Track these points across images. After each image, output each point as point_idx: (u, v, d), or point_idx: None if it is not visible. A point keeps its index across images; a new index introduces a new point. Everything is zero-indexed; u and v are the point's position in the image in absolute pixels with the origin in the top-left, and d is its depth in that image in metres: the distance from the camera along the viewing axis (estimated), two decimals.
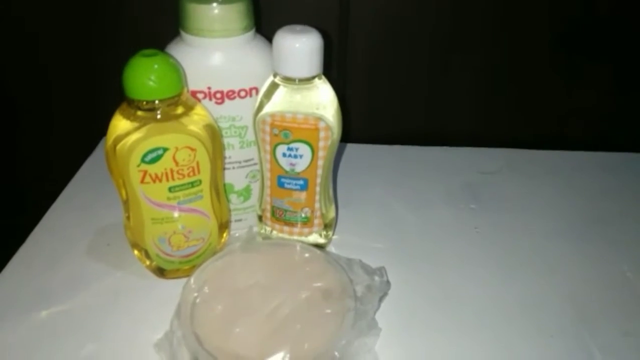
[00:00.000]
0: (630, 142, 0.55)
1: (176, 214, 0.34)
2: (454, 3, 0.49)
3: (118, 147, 0.30)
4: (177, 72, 0.30)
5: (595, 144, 0.55)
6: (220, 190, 0.36)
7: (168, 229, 0.35)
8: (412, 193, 0.48)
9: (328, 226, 0.40)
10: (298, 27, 0.32)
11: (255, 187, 0.40)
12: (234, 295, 0.33)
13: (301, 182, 0.36)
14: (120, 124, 0.30)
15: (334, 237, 0.41)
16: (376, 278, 0.34)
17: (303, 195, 0.36)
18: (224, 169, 0.37)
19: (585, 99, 0.54)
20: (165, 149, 0.31)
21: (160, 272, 0.37)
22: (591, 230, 0.44)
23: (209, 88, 0.34)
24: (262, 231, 0.40)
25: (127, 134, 0.30)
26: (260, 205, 0.39)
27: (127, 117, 0.30)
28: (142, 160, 0.31)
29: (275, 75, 0.33)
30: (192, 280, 0.34)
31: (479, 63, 0.52)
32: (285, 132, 0.33)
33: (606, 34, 0.51)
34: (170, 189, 0.33)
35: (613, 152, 0.54)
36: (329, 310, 0.32)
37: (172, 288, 0.34)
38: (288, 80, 0.32)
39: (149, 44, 0.31)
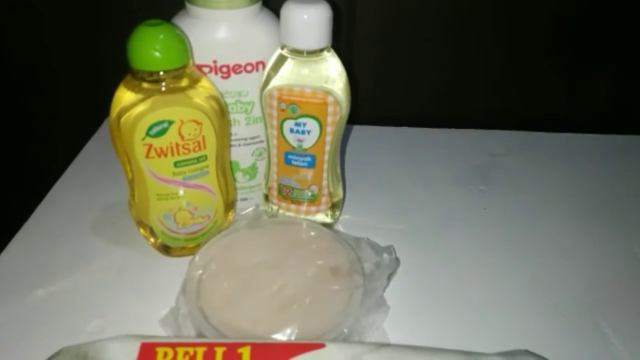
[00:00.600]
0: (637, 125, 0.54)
1: (181, 190, 0.33)
2: None
3: (122, 119, 0.30)
4: (183, 43, 0.30)
5: (605, 126, 0.54)
6: (226, 167, 0.36)
7: (173, 206, 0.34)
8: (420, 174, 0.47)
9: (335, 206, 0.39)
10: None
11: (261, 166, 0.39)
12: (240, 273, 0.33)
13: (309, 158, 0.35)
14: (124, 96, 0.30)
15: (341, 217, 0.41)
16: (385, 255, 0.34)
17: (310, 172, 0.36)
18: (230, 146, 0.37)
19: (596, 81, 0.53)
20: (170, 122, 0.30)
21: (166, 249, 0.37)
22: (601, 212, 0.43)
23: (215, 62, 0.33)
24: (269, 210, 0.39)
25: (132, 106, 0.29)
26: (266, 184, 0.38)
27: (132, 88, 0.30)
28: (147, 134, 0.30)
29: (282, 48, 0.32)
30: (197, 257, 0.34)
31: (490, 42, 0.51)
32: (292, 106, 0.33)
33: (618, 16, 0.49)
34: (175, 164, 0.32)
35: (622, 135, 0.53)
36: (337, 287, 0.31)
37: (178, 266, 0.34)
38: (296, 52, 0.31)
39: (154, 16, 0.30)
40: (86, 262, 0.37)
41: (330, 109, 0.33)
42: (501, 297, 0.35)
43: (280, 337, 0.29)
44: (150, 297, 0.34)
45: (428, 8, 0.49)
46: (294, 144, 0.34)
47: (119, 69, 0.31)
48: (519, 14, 0.50)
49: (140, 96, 0.29)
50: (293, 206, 0.38)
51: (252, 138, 0.38)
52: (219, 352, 0.25)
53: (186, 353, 0.25)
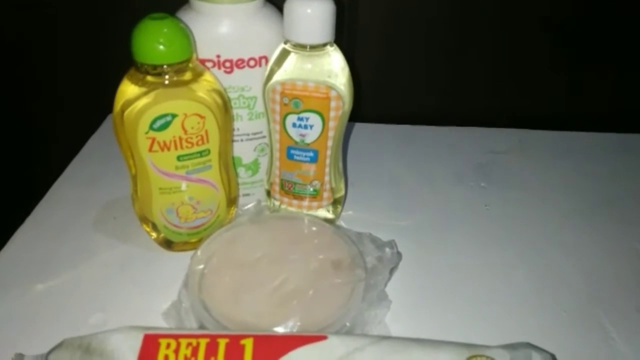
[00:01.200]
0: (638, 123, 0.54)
1: (184, 184, 0.34)
2: None
3: (126, 112, 0.30)
4: (187, 37, 0.30)
5: (605, 124, 0.54)
6: (228, 162, 0.36)
7: (176, 200, 0.34)
8: (422, 172, 0.47)
9: (337, 202, 0.39)
10: None
11: (264, 162, 0.39)
12: (241, 267, 0.33)
13: (311, 153, 0.35)
14: (128, 89, 0.30)
15: (343, 213, 0.41)
16: (387, 250, 0.34)
17: (313, 167, 0.36)
18: (233, 141, 0.37)
19: (596, 79, 0.54)
20: (173, 116, 0.30)
21: (168, 244, 0.37)
22: (602, 209, 0.43)
23: (218, 56, 0.34)
24: (271, 205, 0.39)
25: (135, 99, 0.29)
26: (268, 179, 0.39)
27: (135, 82, 0.30)
28: (151, 127, 0.30)
29: (286, 42, 0.32)
30: (199, 251, 0.34)
31: (492, 41, 0.51)
32: (295, 101, 0.33)
33: (618, 15, 0.50)
34: (178, 158, 0.32)
35: (623, 133, 0.53)
36: (339, 280, 0.31)
37: (180, 260, 0.34)
38: (299, 47, 0.32)
39: (157, 11, 0.30)
40: (88, 257, 0.37)
41: (332, 103, 0.33)
42: (502, 293, 0.35)
43: (283, 330, 0.29)
44: (153, 291, 0.34)
45: (430, 6, 0.50)
46: (297, 138, 0.34)
47: (123, 65, 0.31)
48: (520, 12, 0.50)
49: (143, 89, 0.30)
50: (295, 201, 0.38)
51: (255, 133, 0.38)
52: (222, 343, 0.25)
53: (189, 344, 0.25)
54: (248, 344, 0.25)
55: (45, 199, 0.42)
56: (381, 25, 0.51)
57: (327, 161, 0.36)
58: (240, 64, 0.34)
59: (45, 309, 0.33)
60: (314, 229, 0.36)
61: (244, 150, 0.38)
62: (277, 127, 0.35)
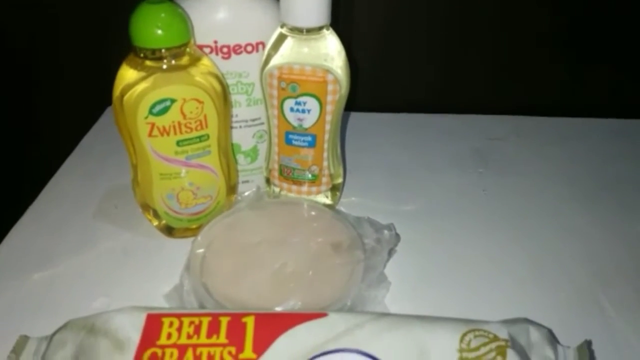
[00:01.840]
0: (633, 109, 0.54)
1: (184, 170, 0.34)
2: None
3: (125, 97, 0.30)
4: (184, 21, 0.30)
5: (601, 111, 0.54)
6: (228, 148, 0.36)
7: (176, 185, 0.34)
8: (419, 159, 0.48)
9: (336, 188, 0.39)
10: None
11: (262, 148, 0.40)
12: (242, 251, 0.33)
13: (309, 138, 0.35)
14: (127, 74, 0.30)
15: (341, 199, 0.41)
16: (385, 232, 0.34)
17: (311, 152, 0.36)
18: (231, 127, 0.37)
19: (592, 66, 0.54)
20: (172, 100, 0.31)
21: (169, 231, 0.37)
22: (600, 193, 0.43)
23: (215, 42, 0.34)
24: (270, 192, 0.40)
25: (135, 83, 0.30)
26: (267, 166, 0.39)
27: (134, 67, 0.30)
28: (150, 112, 0.31)
29: (282, 27, 0.32)
30: (200, 236, 0.34)
31: (490, 28, 0.52)
32: (292, 85, 0.33)
33: (614, 4, 0.50)
34: (178, 143, 0.32)
35: (618, 119, 0.53)
36: (338, 261, 0.32)
37: (181, 247, 0.35)
38: (296, 30, 0.32)
39: None
40: (90, 245, 0.37)
41: (330, 87, 0.33)
42: (501, 275, 0.35)
43: (283, 309, 0.29)
44: (155, 276, 0.34)
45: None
46: (295, 123, 0.35)
47: (123, 56, 0.31)
48: (518, 2, 0.50)
49: (142, 74, 0.30)
50: (294, 187, 0.38)
51: (253, 120, 0.38)
52: (224, 321, 0.25)
53: (191, 322, 0.25)
54: (249, 321, 0.25)
55: (46, 189, 0.42)
56: (378, 11, 0.51)
57: (325, 146, 0.36)
58: (237, 49, 0.34)
59: (49, 295, 0.33)
60: (313, 213, 0.36)
61: (242, 137, 0.39)
62: (275, 112, 0.35)
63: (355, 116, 0.53)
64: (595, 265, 0.36)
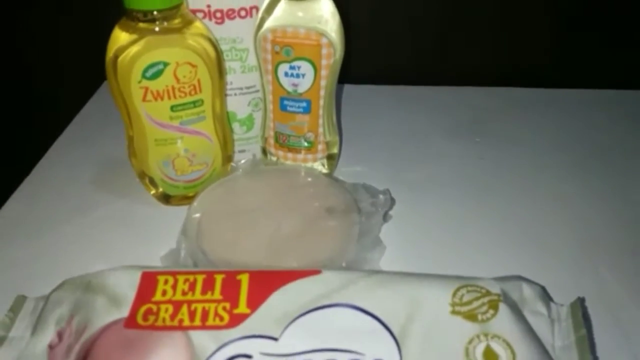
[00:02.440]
0: (622, 79, 0.54)
1: (179, 135, 0.34)
2: None
3: (119, 60, 0.30)
4: None
5: (592, 81, 0.54)
6: (223, 115, 0.36)
7: (172, 152, 0.35)
8: (416, 129, 0.48)
9: (332, 157, 0.40)
10: None
11: (258, 117, 0.40)
12: (238, 215, 0.34)
13: (304, 104, 0.35)
14: (120, 37, 0.30)
15: (338, 169, 0.41)
16: (380, 196, 0.34)
17: (306, 118, 0.36)
18: (226, 95, 0.37)
19: (584, 39, 0.53)
20: (165, 64, 0.31)
21: (166, 199, 0.37)
22: (594, 160, 0.43)
23: (209, 6, 0.34)
24: (267, 161, 0.40)
25: (127, 46, 0.30)
26: (263, 135, 0.39)
27: (127, 29, 0.30)
28: (143, 76, 0.31)
29: None
30: (196, 202, 0.34)
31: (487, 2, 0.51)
32: (286, 48, 0.33)
33: None
34: (172, 108, 0.32)
35: (612, 90, 0.53)
36: (333, 223, 0.32)
37: (178, 214, 0.35)
38: None
39: None
40: (88, 213, 0.37)
41: (324, 51, 0.33)
42: (496, 239, 0.35)
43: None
44: (152, 242, 0.34)
45: None
46: (289, 88, 0.35)
47: None
48: None
49: (134, 36, 0.30)
50: (290, 155, 0.38)
51: (248, 87, 0.38)
52: (219, 278, 0.26)
53: (186, 280, 0.26)
54: (244, 278, 0.26)
55: (45, 157, 0.43)
56: None
57: (320, 112, 0.36)
58: (230, 14, 0.34)
59: (47, 259, 0.33)
60: (309, 179, 0.36)
61: (238, 105, 0.39)
62: (270, 78, 0.35)
63: (351, 88, 0.53)
64: (589, 229, 0.36)
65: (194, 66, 0.32)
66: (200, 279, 0.26)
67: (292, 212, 0.33)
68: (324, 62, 0.33)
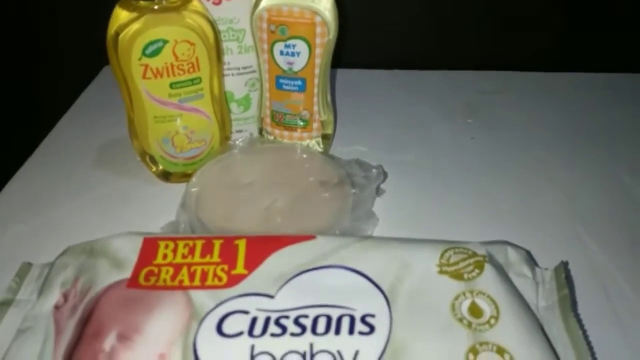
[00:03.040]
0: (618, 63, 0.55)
1: (178, 113, 0.35)
2: None
3: (120, 37, 0.31)
4: None
5: (586, 65, 0.55)
6: (221, 94, 0.37)
7: (171, 129, 0.36)
8: (410, 112, 0.49)
9: (327, 138, 0.41)
10: None
11: (255, 97, 0.41)
12: (235, 190, 0.35)
13: (299, 82, 0.36)
14: (121, 15, 0.31)
15: (333, 150, 0.42)
16: (374, 171, 0.35)
17: (302, 97, 0.37)
18: (224, 75, 0.38)
19: (578, 23, 0.54)
20: (165, 42, 0.32)
21: (166, 177, 0.38)
22: (586, 143, 0.44)
23: None
24: (264, 140, 0.41)
25: (128, 24, 0.31)
26: (260, 115, 0.40)
27: (127, 8, 0.31)
28: (143, 54, 0.32)
29: None
30: (195, 177, 0.35)
31: None
32: (282, 27, 0.34)
33: None
34: (171, 86, 0.34)
35: (606, 73, 0.54)
36: (327, 195, 0.33)
37: (178, 191, 0.36)
38: None
39: None
40: (90, 191, 0.38)
41: (318, 30, 0.34)
42: (485, 215, 0.36)
43: None
44: (153, 216, 0.35)
45: None
46: (285, 67, 0.36)
47: None
48: None
49: (135, 14, 0.31)
50: (286, 133, 0.39)
51: (245, 68, 0.39)
52: (217, 244, 0.27)
53: (186, 245, 0.27)
54: (241, 244, 0.27)
55: (47, 138, 0.44)
56: None
57: (316, 90, 0.37)
58: None
59: (51, 235, 0.34)
60: (304, 156, 0.38)
61: (235, 86, 0.40)
62: (266, 57, 0.36)
63: (346, 73, 0.54)
64: (579, 205, 0.37)
65: (192, 44, 0.33)
66: (199, 244, 0.27)
67: (288, 186, 0.34)
68: (318, 40, 0.34)
